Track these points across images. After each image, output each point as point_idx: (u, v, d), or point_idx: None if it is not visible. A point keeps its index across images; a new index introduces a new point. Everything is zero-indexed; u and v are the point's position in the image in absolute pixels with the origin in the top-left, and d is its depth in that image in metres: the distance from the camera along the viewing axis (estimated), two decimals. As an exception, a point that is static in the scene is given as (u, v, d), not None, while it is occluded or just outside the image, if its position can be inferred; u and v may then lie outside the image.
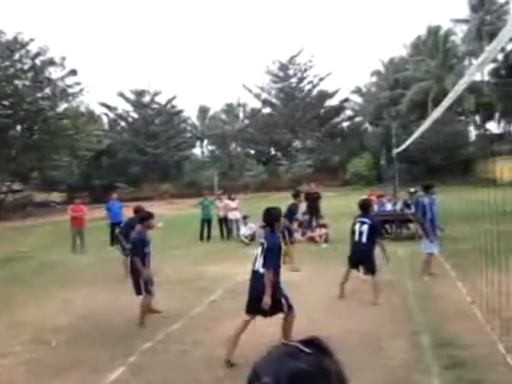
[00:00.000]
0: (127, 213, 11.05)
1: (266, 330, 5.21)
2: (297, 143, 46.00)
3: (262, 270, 4.64)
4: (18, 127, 31.96)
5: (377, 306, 6.30)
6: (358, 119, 47.62)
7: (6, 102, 29.48)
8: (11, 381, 4.58)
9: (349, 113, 48.37)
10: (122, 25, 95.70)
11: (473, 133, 40.59)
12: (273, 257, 4.66)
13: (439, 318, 5.70)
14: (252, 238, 13.18)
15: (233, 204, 14.25)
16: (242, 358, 4.68)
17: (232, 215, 14.06)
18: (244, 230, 13.43)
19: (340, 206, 18.10)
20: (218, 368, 4.53)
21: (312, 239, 12.44)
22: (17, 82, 31.07)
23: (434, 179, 28.27)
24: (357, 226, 6.67)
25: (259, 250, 4.82)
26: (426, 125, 8.35)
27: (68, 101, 34.03)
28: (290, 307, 4.66)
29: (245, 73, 76.66)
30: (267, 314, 4.71)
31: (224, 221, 14.08)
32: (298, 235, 12.81)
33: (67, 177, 40.32)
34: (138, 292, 6.05)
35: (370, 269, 6.49)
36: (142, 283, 5.99)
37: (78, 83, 33.87)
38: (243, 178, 41.61)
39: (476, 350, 4.58)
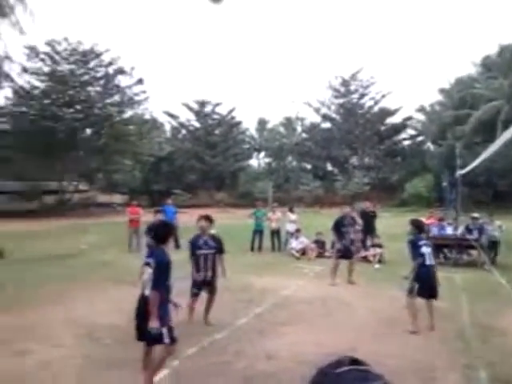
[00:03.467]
0: (182, 219, 11.29)
1: (310, 349, 5.09)
2: (354, 160, 45.20)
3: None
4: (88, 131, 33.86)
5: (432, 331, 6.00)
6: (420, 138, 46.09)
7: (78, 107, 31.43)
8: (63, 371, 4.76)
9: (411, 131, 46.98)
10: (189, 38, 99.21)
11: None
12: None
13: (500, 351, 5.30)
14: (303, 252, 13.03)
15: (292, 216, 14.26)
16: (286, 372, 4.59)
17: (290, 227, 14.04)
18: (295, 244, 13.31)
19: (394, 227, 17.49)
20: (257, 382, 4.46)
21: (365, 258, 12.10)
22: (89, 88, 33.07)
23: (499, 205, 26.80)
24: (424, 249, 6.16)
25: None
26: (496, 146, 7.89)
27: (134, 108, 35.67)
28: None
29: (304, 87, 76.76)
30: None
31: (276, 233, 14.04)
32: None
33: (129, 180, 42.05)
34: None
35: (437, 293, 6.16)
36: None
37: (143, 91, 35.46)
38: (298, 192, 41.41)
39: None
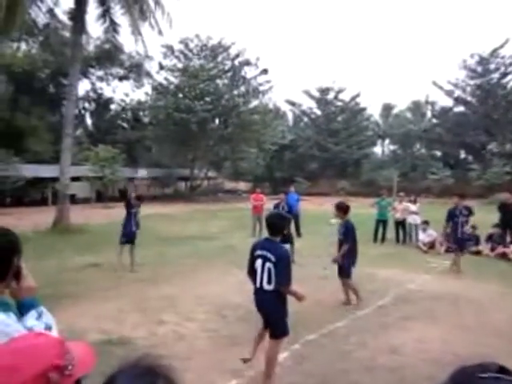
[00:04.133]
0: (303, 206, 11.40)
1: (431, 345, 4.81)
2: (493, 146, 40.77)
3: None
4: (216, 121, 35.95)
5: None
6: None
7: (208, 99, 33.49)
8: (194, 343, 5.22)
9: None
10: (311, 26, 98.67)
11: None
12: None
13: None
14: (431, 245, 12.28)
15: (413, 207, 13.48)
16: (410, 368, 4.43)
17: (411, 219, 13.32)
18: (423, 237, 12.59)
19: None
20: (379, 375, 4.37)
21: (504, 255, 10.96)
22: (218, 81, 34.96)
23: None
24: None
25: None
26: None
27: (259, 98, 36.80)
28: None
29: (434, 69, 71.53)
30: None
31: (401, 224, 13.42)
32: (486, 249, 11.47)
33: (253, 168, 43.74)
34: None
35: None
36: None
37: (268, 81, 36.38)
38: (425, 181, 38.89)
39: None
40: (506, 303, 6.96)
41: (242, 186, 47.61)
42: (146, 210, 14.02)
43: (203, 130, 33.79)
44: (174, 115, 31.75)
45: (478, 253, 11.48)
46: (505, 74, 40.01)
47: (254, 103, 36.30)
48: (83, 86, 37.67)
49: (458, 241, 9.36)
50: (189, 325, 5.83)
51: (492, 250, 11.38)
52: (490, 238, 11.78)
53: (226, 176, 47.21)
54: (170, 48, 35.23)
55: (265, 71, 35.93)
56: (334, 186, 41.79)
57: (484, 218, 13.55)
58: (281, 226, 4.29)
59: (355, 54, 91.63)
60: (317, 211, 21.36)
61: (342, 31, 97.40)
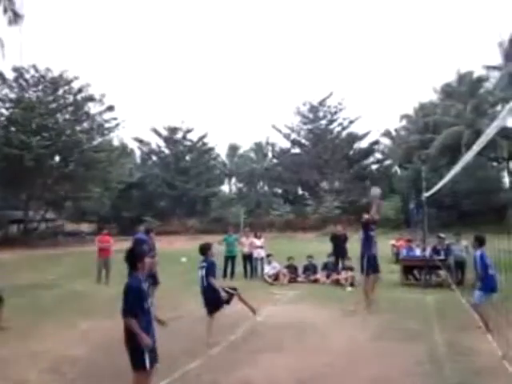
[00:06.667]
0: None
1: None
2: (324, 184, 45.95)
3: None
4: (56, 158, 33.26)
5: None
6: (387, 162, 47.41)
7: (45, 134, 30.91)
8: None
9: (378, 155, 48.33)
10: (159, 66, 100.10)
11: (507, 179, 39.53)
12: None
13: (468, 372, 5.39)
14: (276, 277, 13.01)
15: (258, 242, 14.18)
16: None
17: (257, 253, 13.98)
18: (268, 269, 13.28)
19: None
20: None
21: (337, 282, 12.19)
22: (58, 115, 32.68)
23: (465, 225, 27.60)
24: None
25: None
26: (456, 169, 8.22)
27: (104, 135, 35.38)
28: None
29: (274, 113, 78.69)
30: None
31: (248, 258, 13.98)
32: (323, 277, 12.62)
33: (98, 208, 41.29)
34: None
35: None
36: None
37: (114, 118, 35.33)
38: (269, 217, 41.57)
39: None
40: (343, 324, 7.72)
41: (86, 227, 44.44)
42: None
43: (40, 168, 30.87)
44: (5, 150, 28.47)
45: (316, 281, 12.56)
46: (331, 121, 45.94)
47: (99, 140, 34.77)
48: None
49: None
50: (20, 389, 5.08)
51: (327, 277, 12.57)
52: (325, 266, 13.02)
53: (67, 217, 43.63)
54: (1, 76, 31.87)
55: (111, 108, 34.90)
56: (184, 225, 41.80)
57: (319, 247, 15.00)
58: (131, 259, 4.32)
59: (202, 95, 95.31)
60: (167, 250, 21.00)
61: (188, 71, 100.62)
